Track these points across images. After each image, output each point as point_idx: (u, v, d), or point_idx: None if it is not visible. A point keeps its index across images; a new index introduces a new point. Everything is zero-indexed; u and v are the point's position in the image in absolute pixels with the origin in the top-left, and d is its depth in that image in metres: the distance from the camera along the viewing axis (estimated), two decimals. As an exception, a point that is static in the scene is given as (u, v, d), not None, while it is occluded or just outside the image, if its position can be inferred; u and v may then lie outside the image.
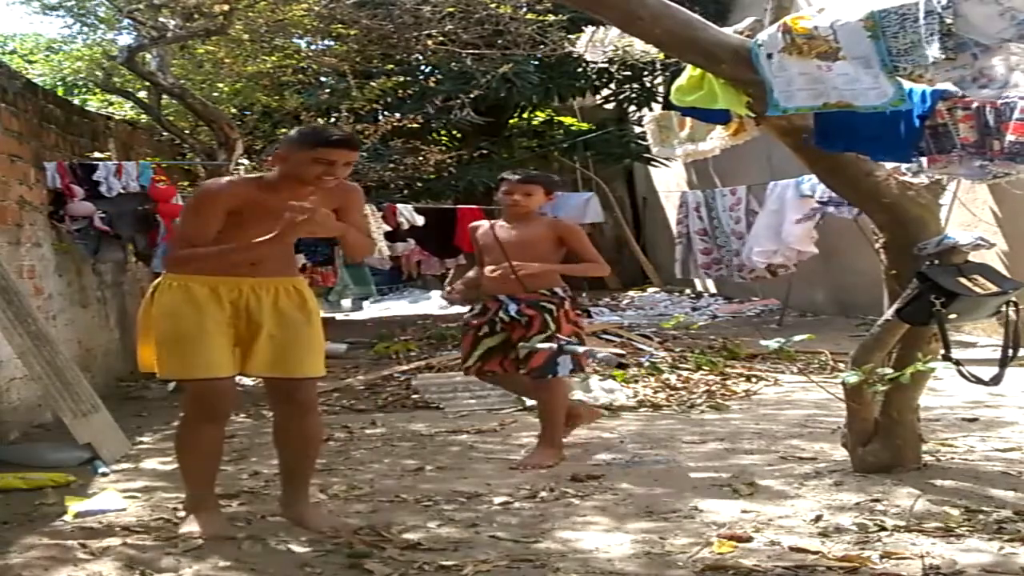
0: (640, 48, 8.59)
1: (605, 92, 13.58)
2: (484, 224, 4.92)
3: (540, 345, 4.35)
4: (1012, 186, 5.98)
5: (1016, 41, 2.94)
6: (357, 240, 3.63)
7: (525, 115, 14.59)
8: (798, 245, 9.30)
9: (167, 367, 3.42)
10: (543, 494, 3.91)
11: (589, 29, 8.88)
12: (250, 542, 3.35)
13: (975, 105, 3.53)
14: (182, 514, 3.59)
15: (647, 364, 7.32)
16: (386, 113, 10.44)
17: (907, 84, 3.46)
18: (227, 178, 3.66)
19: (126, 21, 8.13)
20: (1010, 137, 3.49)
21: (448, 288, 4.80)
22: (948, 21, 3.03)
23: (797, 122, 3.80)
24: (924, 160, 3.72)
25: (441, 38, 8.61)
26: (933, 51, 3.08)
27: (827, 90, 3.39)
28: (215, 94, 9.31)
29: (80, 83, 11.09)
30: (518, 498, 3.87)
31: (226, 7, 7.14)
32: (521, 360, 4.56)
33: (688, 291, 14.00)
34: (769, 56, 3.52)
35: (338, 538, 3.33)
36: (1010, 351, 3.78)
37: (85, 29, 9.59)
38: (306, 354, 3.46)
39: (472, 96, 9.87)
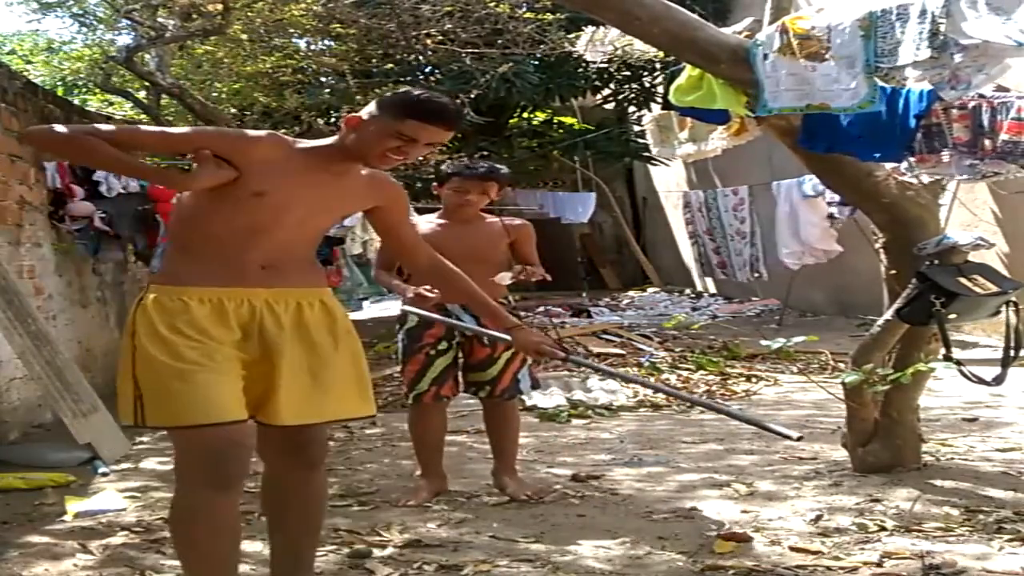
0: (639, 48, 8.60)
1: (605, 92, 13.58)
2: (419, 223, 4.06)
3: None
4: (999, 187, 5.99)
5: (999, 40, 2.94)
6: None
7: (525, 115, 14.58)
8: (821, 244, 9.32)
9: (152, 412, 2.38)
10: (541, 496, 3.91)
11: (589, 29, 8.88)
12: (249, 541, 3.35)
13: (972, 104, 3.54)
14: None
15: (647, 364, 7.33)
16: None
17: (913, 85, 3.47)
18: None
19: (124, 21, 8.12)
20: (1003, 136, 3.51)
21: (416, 291, 3.68)
22: (940, 21, 3.04)
23: (796, 122, 3.81)
24: (914, 159, 3.74)
25: (440, 37, 8.60)
26: (921, 50, 3.09)
27: (812, 91, 3.41)
28: (214, 94, 9.30)
29: (80, 83, 11.08)
30: (517, 498, 3.87)
31: (220, 6, 7.13)
32: (487, 382, 3.98)
33: (688, 291, 14.01)
34: (765, 56, 3.53)
35: None
36: (1012, 351, 3.79)
37: (84, 29, 9.59)
38: (336, 392, 2.51)
39: (472, 96, 9.87)
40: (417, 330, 3.96)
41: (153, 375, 2.37)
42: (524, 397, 6.13)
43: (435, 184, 4.04)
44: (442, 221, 4.02)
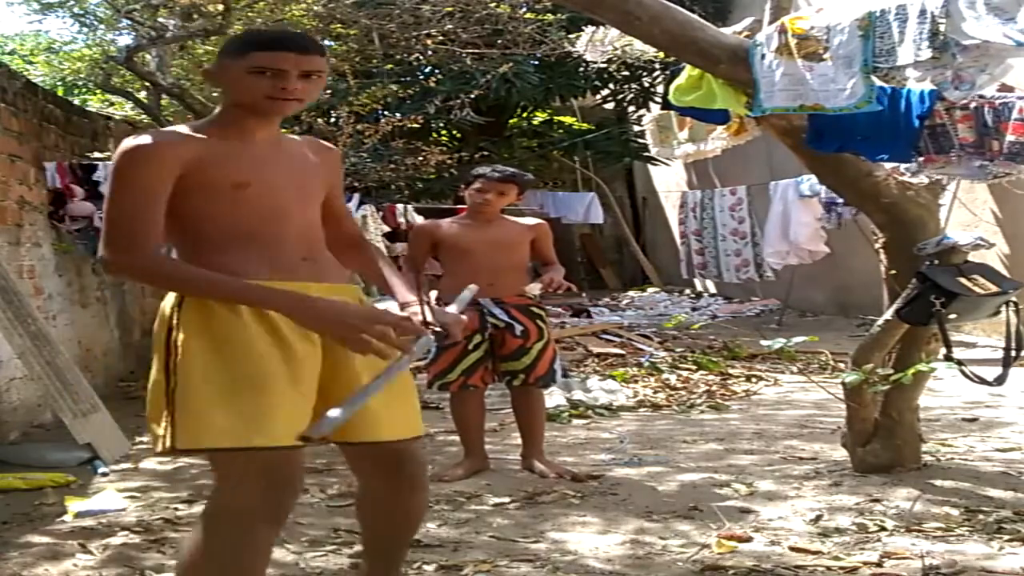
0: (639, 48, 8.60)
1: (605, 92, 13.58)
2: (442, 223, 4.47)
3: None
4: (1013, 186, 5.99)
5: (999, 40, 2.94)
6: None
7: (525, 115, 14.58)
8: (808, 245, 9.31)
9: (213, 430, 2.05)
10: (540, 497, 3.91)
11: (589, 29, 8.88)
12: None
13: (973, 105, 3.54)
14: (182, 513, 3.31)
15: (647, 364, 7.33)
16: (387, 113, 10.44)
17: (913, 85, 3.47)
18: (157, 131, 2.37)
19: (125, 21, 8.12)
20: (1010, 137, 3.51)
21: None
22: (940, 21, 3.04)
23: (796, 122, 3.81)
24: (922, 160, 3.74)
25: (441, 38, 8.61)
26: (922, 51, 3.09)
27: (806, 92, 3.42)
28: (214, 94, 9.29)
29: (80, 83, 11.08)
30: (517, 498, 3.87)
31: (221, 6, 7.12)
32: (521, 370, 4.28)
33: (688, 291, 14.01)
34: (763, 56, 3.54)
35: None
36: (1012, 351, 3.79)
37: (84, 30, 9.59)
38: (405, 402, 2.30)
39: (472, 96, 9.88)
40: None
41: (213, 386, 2.06)
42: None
43: (462, 185, 4.45)
44: (467, 221, 4.39)
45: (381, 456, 2.29)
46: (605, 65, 11.53)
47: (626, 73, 12.73)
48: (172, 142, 2.15)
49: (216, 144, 2.17)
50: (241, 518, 2.09)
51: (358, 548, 3.23)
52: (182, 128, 2.24)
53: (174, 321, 2.12)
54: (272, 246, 2.19)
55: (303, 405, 2.14)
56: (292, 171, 2.27)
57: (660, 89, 12.64)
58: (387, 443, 2.26)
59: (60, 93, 9.31)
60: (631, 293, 14.53)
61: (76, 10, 9.02)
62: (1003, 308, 3.80)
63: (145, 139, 2.13)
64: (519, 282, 4.33)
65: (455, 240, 4.33)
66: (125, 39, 8.73)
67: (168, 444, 2.07)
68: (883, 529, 3.28)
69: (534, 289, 4.26)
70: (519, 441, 4.75)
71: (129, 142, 2.13)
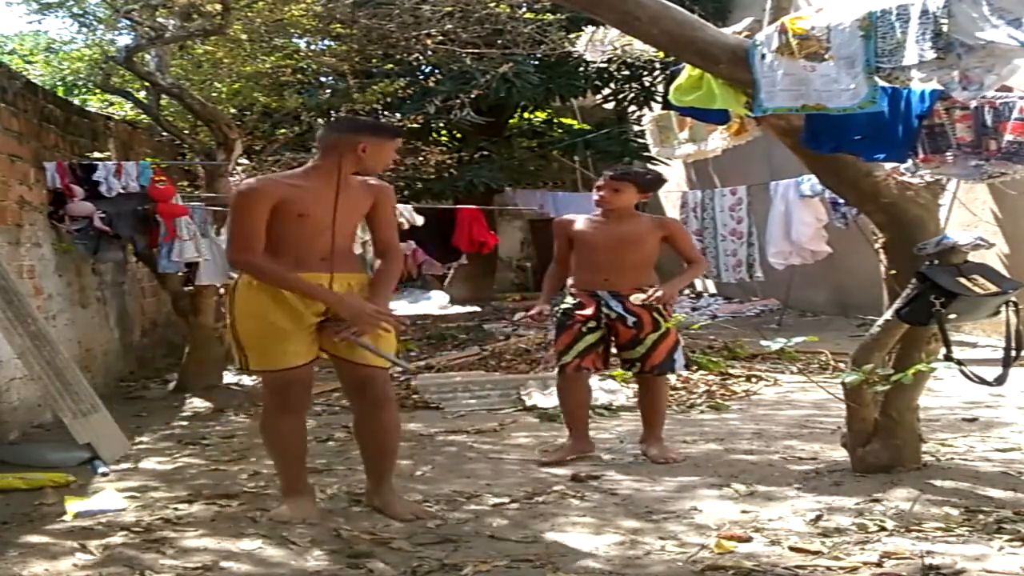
0: (639, 48, 8.60)
1: (605, 92, 13.58)
2: (577, 218, 4.76)
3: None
4: (1007, 186, 5.99)
5: (1004, 41, 2.94)
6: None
7: (525, 115, 14.59)
8: (811, 245, 9.31)
9: (254, 362, 3.58)
10: (540, 497, 3.91)
11: (589, 29, 8.88)
12: (249, 540, 3.36)
13: (974, 105, 3.54)
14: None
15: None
16: (386, 113, 10.43)
17: (916, 86, 3.47)
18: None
19: (124, 21, 8.10)
20: (1008, 137, 3.50)
21: (533, 313, 4.78)
22: (943, 21, 3.03)
23: (796, 122, 3.81)
24: (918, 159, 3.73)
25: (440, 37, 8.60)
26: (926, 51, 3.09)
27: (808, 92, 3.42)
28: (214, 94, 9.29)
29: (80, 83, 11.07)
30: (517, 498, 3.87)
31: (220, 6, 7.11)
32: (637, 359, 4.54)
33: (688, 291, 14.00)
34: (763, 56, 3.53)
35: (420, 519, 3.53)
36: (1012, 351, 3.78)
37: (84, 30, 9.57)
38: (375, 344, 3.56)
39: (472, 96, 9.88)
40: (572, 309, 4.60)
41: (253, 338, 3.55)
42: (526, 399, 6.16)
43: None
44: (598, 218, 4.67)
45: (356, 377, 3.63)
46: (605, 65, 11.54)
47: (626, 73, 12.74)
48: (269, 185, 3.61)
49: (291, 187, 3.54)
50: (271, 411, 3.65)
51: (358, 547, 3.24)
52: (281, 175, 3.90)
53: (228, 302, 3.64)
54: (304, 251, 3.53)
55: (305, 339, 3.55)
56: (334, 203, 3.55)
57: (660, 89, 12.65)
58: (359, 366, 3.58)
59: (60, 93, 9.30)
60: (631, 293, 14.51)
61: (75, 10, 8.99)
62: (1003, 308, 3.80)
63: (253, 182, 3.68)
64: (640, 278, 4.55)
65: (583, 235, 4.64)
66: (124, 39, 8.70)
67: (242, 366, 3.66)
68: (883, 529, 3.28)
69: (637, 299, 4.45)
70: (519, 441, 4.75)
71: (245, 183, 3.76)
